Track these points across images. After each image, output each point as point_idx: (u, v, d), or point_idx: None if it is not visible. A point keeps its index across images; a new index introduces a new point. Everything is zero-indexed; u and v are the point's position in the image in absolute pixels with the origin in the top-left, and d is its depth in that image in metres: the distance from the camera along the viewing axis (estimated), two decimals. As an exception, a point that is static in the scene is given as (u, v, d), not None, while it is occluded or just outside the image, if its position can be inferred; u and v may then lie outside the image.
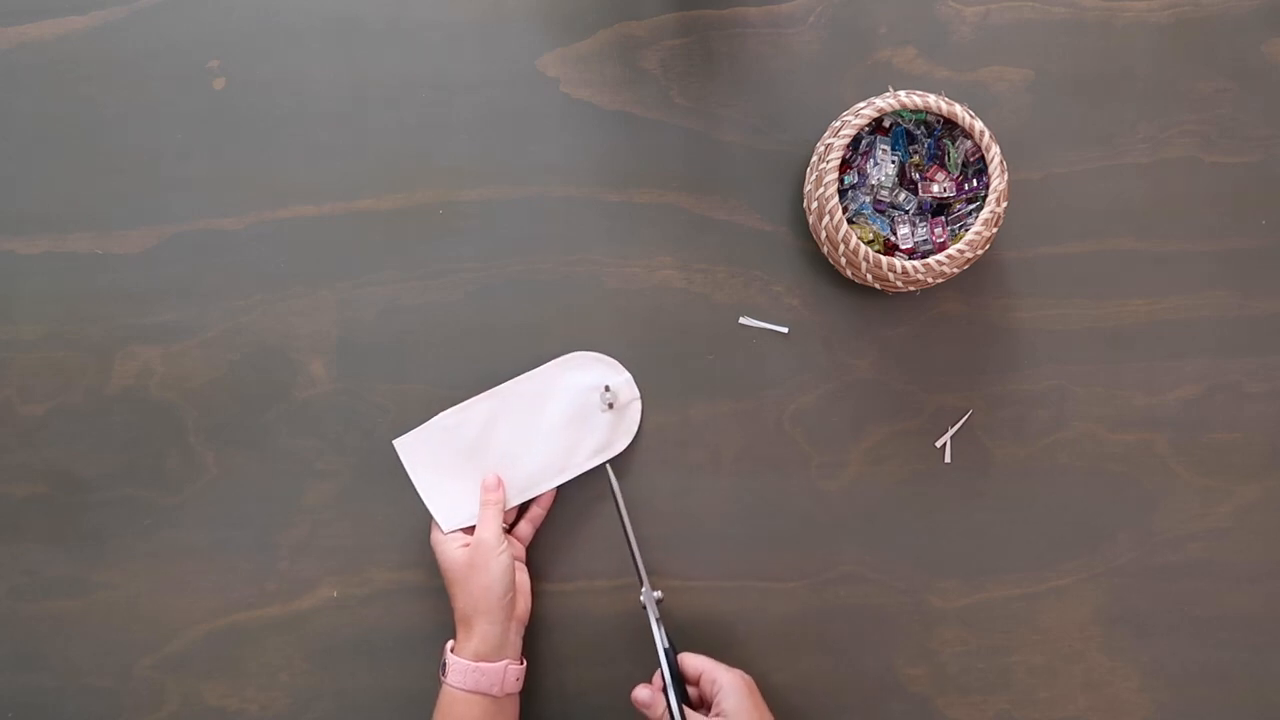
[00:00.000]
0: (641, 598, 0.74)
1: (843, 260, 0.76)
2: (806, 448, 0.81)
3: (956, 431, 0.81)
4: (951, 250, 0.72)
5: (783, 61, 0.82)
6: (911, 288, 0.77)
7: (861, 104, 0.75)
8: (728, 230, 0.82)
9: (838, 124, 0.76)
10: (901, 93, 0.73)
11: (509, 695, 0.72)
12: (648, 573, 0.75)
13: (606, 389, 0.78)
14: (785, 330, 0.81)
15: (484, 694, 0.70)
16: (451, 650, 0.72)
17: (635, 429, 0.79)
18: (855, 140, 0.78)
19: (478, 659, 0.71)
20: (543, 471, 0.78)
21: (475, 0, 0.82)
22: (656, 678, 0.72)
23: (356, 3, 0.82)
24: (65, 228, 0.81)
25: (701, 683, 0.71)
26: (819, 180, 0.74)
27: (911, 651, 0.80)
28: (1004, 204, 0.73)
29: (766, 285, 0.81)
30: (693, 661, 0.72)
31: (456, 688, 0.70)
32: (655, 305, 0.81)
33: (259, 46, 0.82)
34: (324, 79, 0.82)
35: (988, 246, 0.74)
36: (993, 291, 0.81)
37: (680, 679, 0.71)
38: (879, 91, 0.76)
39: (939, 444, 0.81)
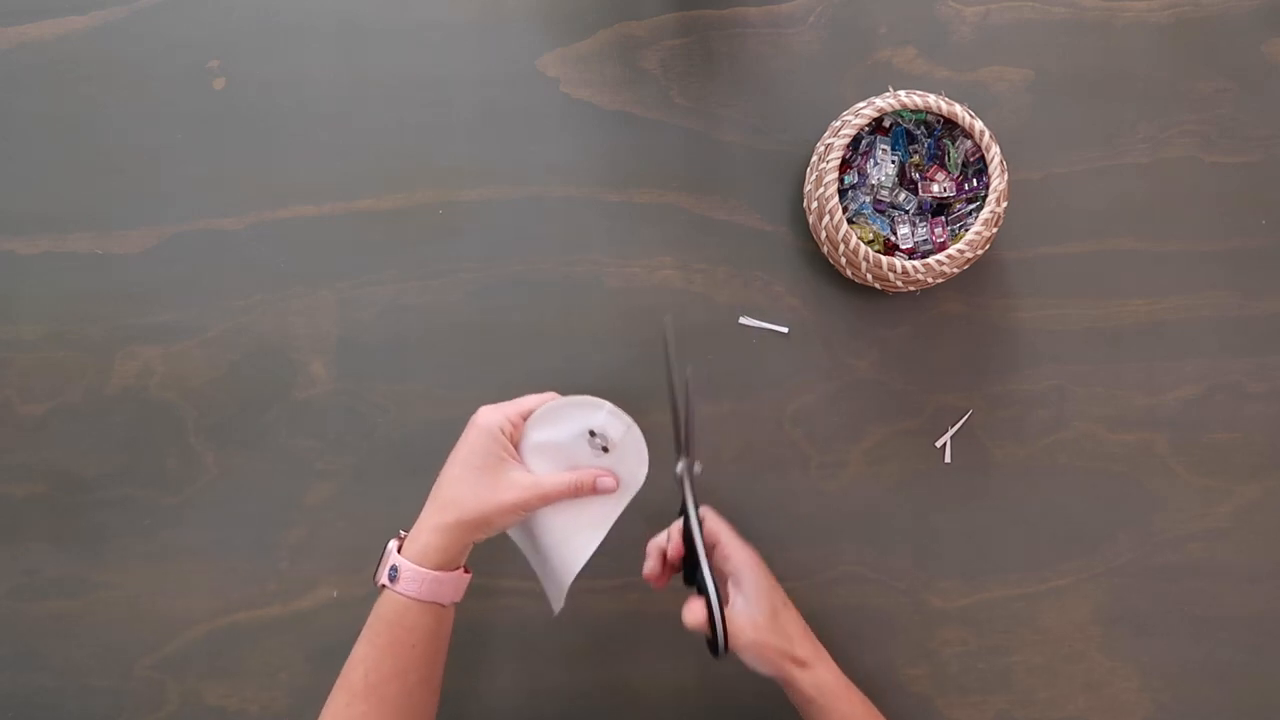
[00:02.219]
0: (678, 468, 0.69)
1: (843, 260, 0.76)
2: (806, 448, 0.81)
3: (956, 431, 0.81)
4: (951, 250, 0.72)
5: (783, 61, 0.82)
6: (911, 288, 0.77)
7: (861, 104, 0.75)
8: (728, 230, 0.82)
9: (838, 124, 0.76)
10: (901, 93, 0.73)
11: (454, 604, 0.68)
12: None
13: (592, 434, 0.70)
14: (785, 330, 0.81)
15: (436, 603, 0.66)
16: (399, 550, 0.67)
17: (645, 454, 0.71)
18: (855, 140, 0.78)
19: (432, 565, 0.65)
20: (581, 537, 0.71)
21: (475, 0, 0.82)
22: (658, 550, 0.69)
23: (356, 3, 0.82)
24: (65, 228, 0.81)
25: (715, 554, 0.68)
26: (819, 180, 0.74)
27: (911, 651, 0.80)
28: (1004, 204, 0.73)
29: (766, 285, 0.81)
30: (709, 527, 0.69)
31: (409, 596, 0.65)
32: (655, 305, 0.81)
33: (259, 46, 0.82)
34: (324, 79, 0.82)
35: (988, 246, 0.74)
36: (993, 291, 0.81)
37: (704, 556, 0.67)
38: (879, 91, 0.76)
39: (939, 444, 0.81)
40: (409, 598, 0.65)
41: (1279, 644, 0.80)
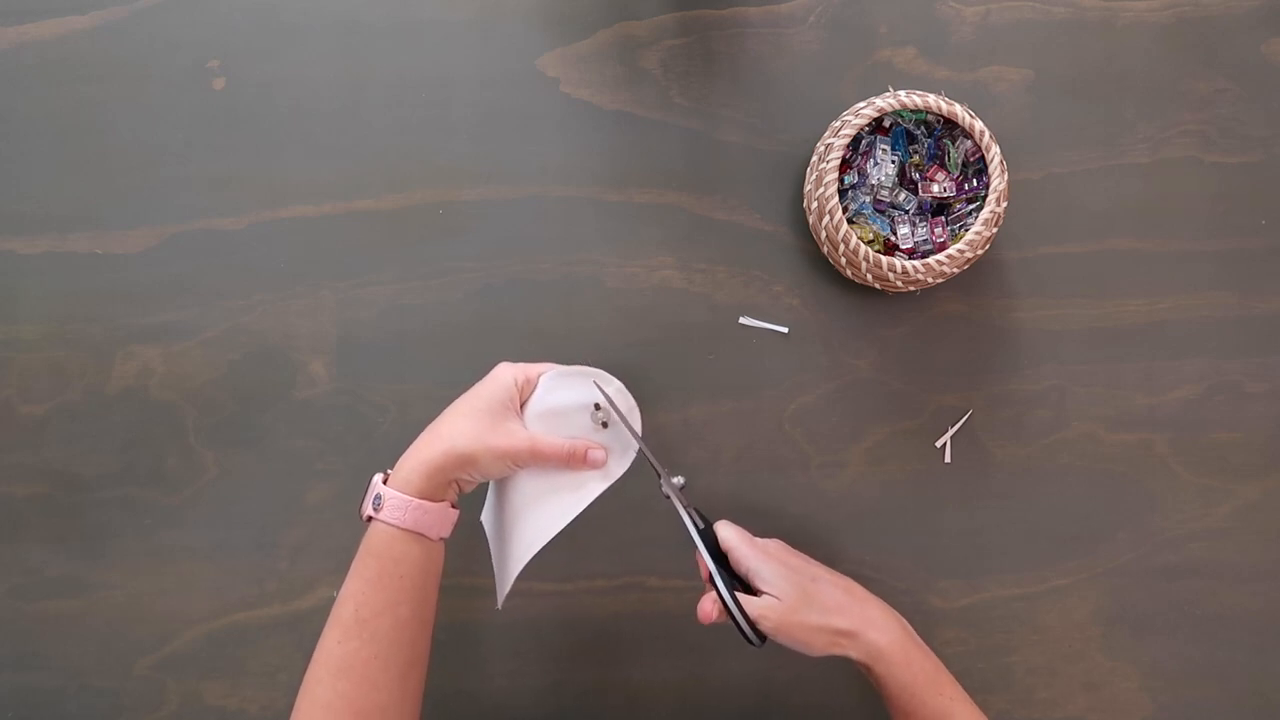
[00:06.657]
0: (663, 488, 0.70)
1: (843, 260, 0.76)
2: (806, 448, 0.81)
3: (956, 431, 0.81)
4: (951, 250, 0.72)
5: (783, 61, 0.82)
6: (911, 288, 0.77)
7: (861, 104, 0.75)
8: (728, 230, 0.82)
9: (838, 124, 0.76)
10: (901, 93, 0.73)
11: (442, 540, 0.67)
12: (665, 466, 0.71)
13: (596, 407, 0.72)
14: (785, 330, 0.81)
15: (422, 535, 0.65)
16: (384, 482, 0.66)
17: (638, 425, 0.72)
18: (855, 140, 0.78)
19: (418, 494, 0.65)
20: (560, 504, 0.71)
21: (475, 0, 0.82)
22: (701, 563, 0.70)
23: (356, 2, 0.82)
24: (65, 228, 0.81)
25: (731, 561, 0.69)
26: (819, 180, 0.74)
27: (911, 651, 0.80)
28: (1004, 204, 0.73)
29: (766, 285, 0.81)
30: (723, 536, 0.69)
31: (395, 525, 0.64)
32: (655, 305, 0.81)
33: (259, 46, 0.82)
34: (324, 79, 0.82)
35: (988, 246, 0.74)
36: (993, 291, 0.81)
37: (723, 558, 0.69)
38: (879, 91, 0.76)
39: (939, 444, 0.81)
40: (394, 527, 0.65)
41: (1279, 644, 0.80)
